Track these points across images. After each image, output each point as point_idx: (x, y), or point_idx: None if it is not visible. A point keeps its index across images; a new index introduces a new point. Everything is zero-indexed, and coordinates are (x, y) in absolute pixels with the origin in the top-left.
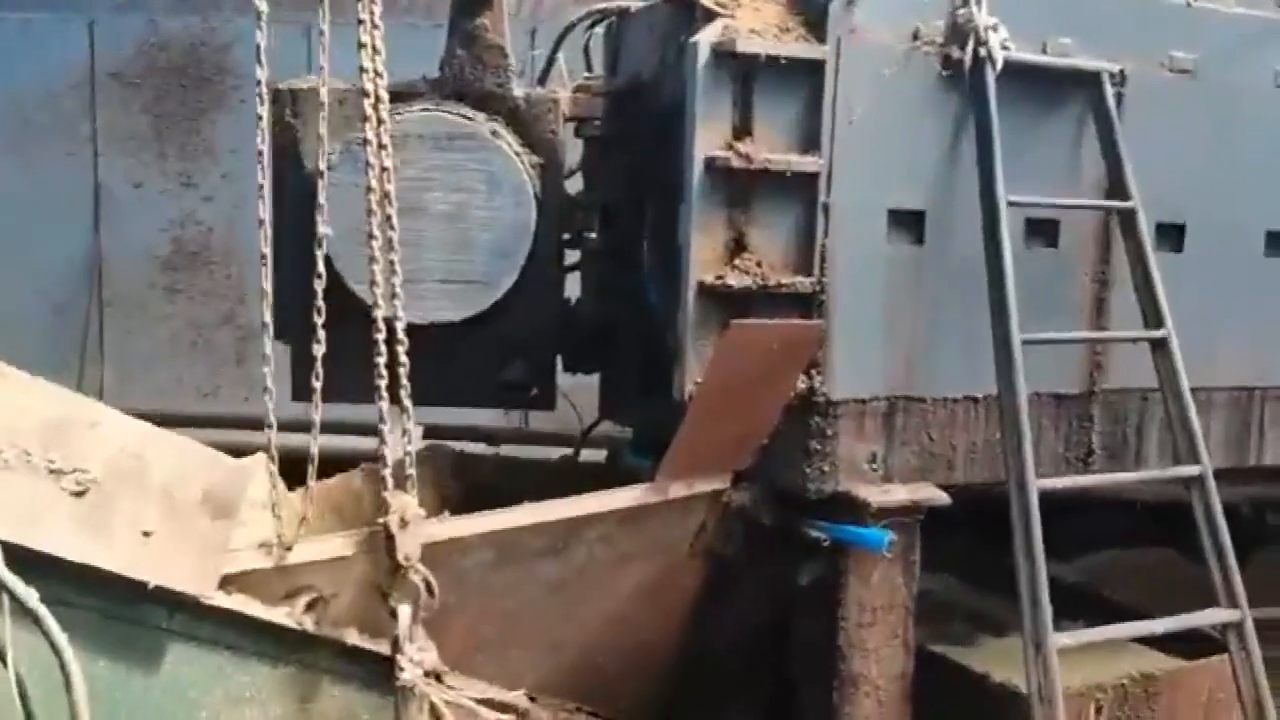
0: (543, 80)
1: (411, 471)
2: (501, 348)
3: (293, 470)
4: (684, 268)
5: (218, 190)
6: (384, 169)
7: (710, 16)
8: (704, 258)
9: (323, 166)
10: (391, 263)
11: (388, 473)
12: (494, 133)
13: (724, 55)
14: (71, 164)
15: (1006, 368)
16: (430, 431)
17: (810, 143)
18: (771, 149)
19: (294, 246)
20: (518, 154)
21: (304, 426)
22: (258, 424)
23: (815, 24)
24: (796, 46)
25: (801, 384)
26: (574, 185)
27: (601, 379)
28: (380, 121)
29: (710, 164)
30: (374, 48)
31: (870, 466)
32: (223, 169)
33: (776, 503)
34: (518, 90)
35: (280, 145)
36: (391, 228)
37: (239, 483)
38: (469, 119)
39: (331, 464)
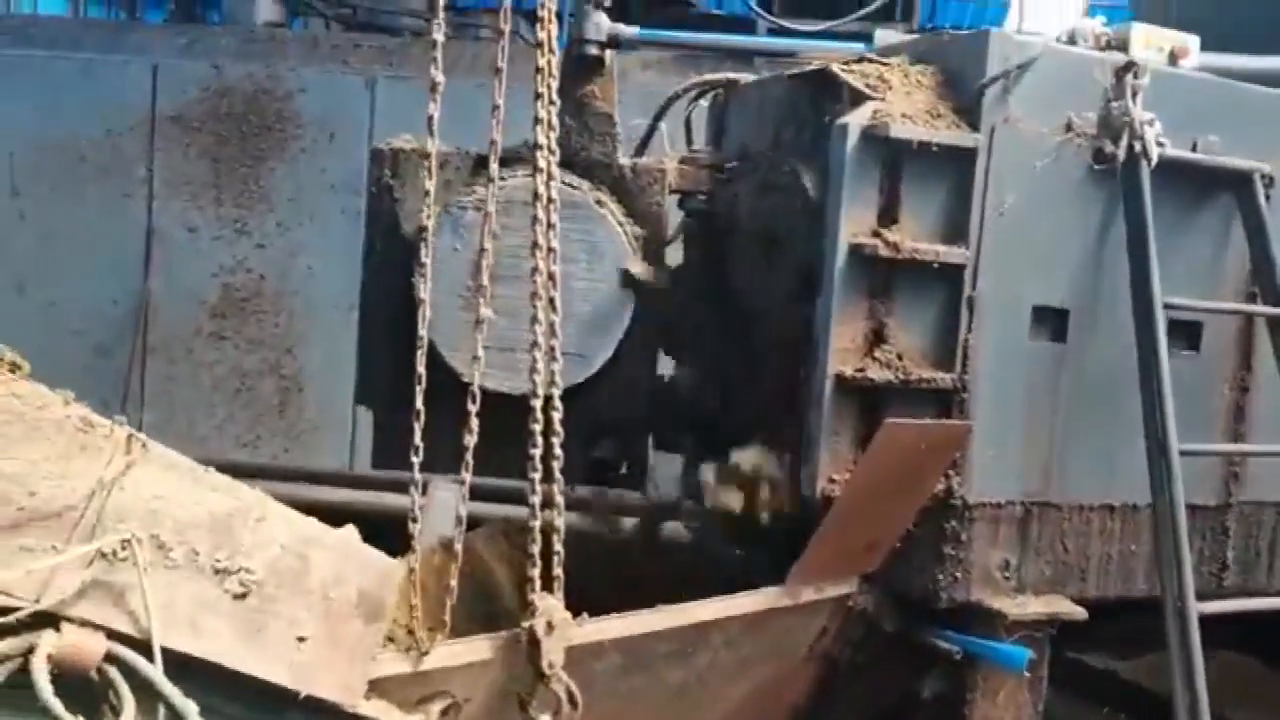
0: (641, 150)
1: (559, 573)
2: (592, 425)
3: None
4: (821, 358)
5: (271, 238)
6: (550, 250)
7: (859, 98)
8: (842, 347)
9: (486, 243)
10: (552, 349)
11: (536, 573)
12: (599, 202)
13: (873, 139)
14: (127, 206)
15: (1163, 480)
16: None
17: (956, 233)
18: (915, 238)
19: (381, 311)
20: (621, 225)
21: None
22: (296, 475)
23: (967, 111)
24: (949, 134)
25: (939, 486)
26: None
27: (686, 456)
28: (550, 200)
29: (855, 250)
30: (549, 123)
31: (1003, 575)
32: (278, 217)
33: (899, 608)
34: (623, 159)
35: (375, 207)
36: (554, 311)
37: (388, 583)
38: (574, 187)
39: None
